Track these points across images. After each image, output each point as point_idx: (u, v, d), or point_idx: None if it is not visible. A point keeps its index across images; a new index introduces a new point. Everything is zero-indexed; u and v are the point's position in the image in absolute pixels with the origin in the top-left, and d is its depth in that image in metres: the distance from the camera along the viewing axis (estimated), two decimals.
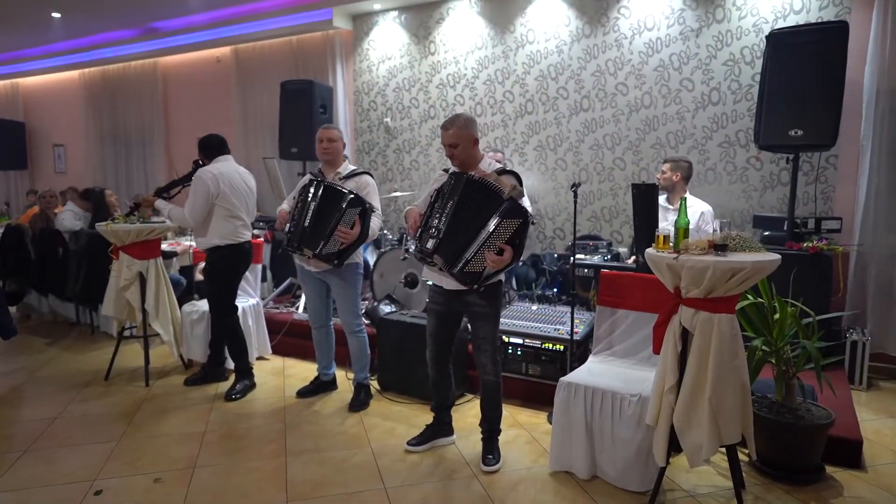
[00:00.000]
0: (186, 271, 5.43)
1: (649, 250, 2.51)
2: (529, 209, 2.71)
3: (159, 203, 3.85)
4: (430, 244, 2.71)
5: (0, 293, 4.53)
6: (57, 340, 5.16)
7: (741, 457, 2.76)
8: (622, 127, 5.10)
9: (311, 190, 3.40)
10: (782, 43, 3.73)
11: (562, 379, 2.85)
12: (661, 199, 3.93)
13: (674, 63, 4.84)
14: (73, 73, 8.82)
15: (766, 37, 3.84)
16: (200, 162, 3.80)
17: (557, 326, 3.65)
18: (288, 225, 3.48)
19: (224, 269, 3.85)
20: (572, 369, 3.28)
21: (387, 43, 6.17)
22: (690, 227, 3.05)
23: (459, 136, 2.80)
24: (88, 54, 8.30)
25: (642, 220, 3.34)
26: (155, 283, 4.11)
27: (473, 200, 2.69)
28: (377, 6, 6.04)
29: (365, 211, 3.33)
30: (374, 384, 3.90)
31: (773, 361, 2.81)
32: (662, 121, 4.93)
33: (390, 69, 6.18)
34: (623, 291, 3.08)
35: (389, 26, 6.13)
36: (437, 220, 2.73)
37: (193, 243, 5.27)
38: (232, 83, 7.25)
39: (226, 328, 3.91)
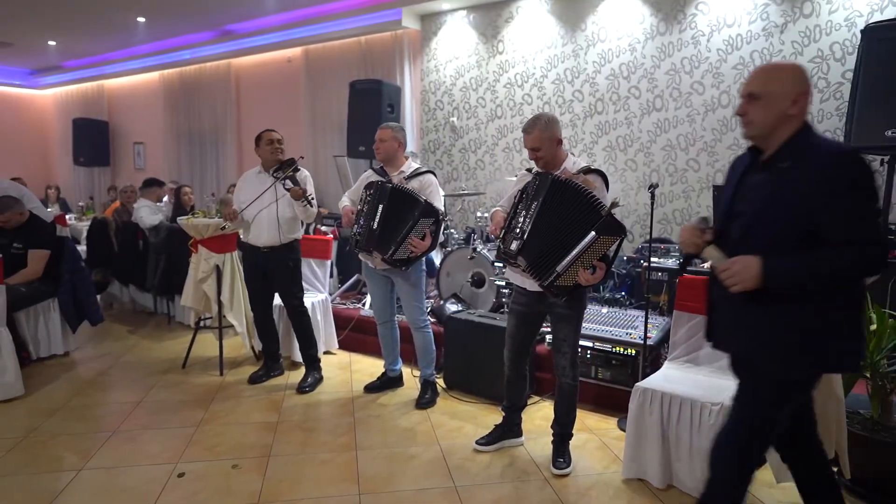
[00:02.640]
0: None
1: None
2: None
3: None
4: (513, 245, 2.65)
5: (88, 283, 4.80)
6: (137, 329, 5.43)
7: None
8: (697, 127, 4.93)
9: (378, 191, 3.44)
10: (879, 37, 3.51)
11: (637, 384, 2.77)
12: None
13: (755, 60, 4.64)
14: (154, 75, 9.28)
15: (861, 31, 3.63)
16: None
17: (629, 330, 3.57)
18: (355, 226, 3.52)
19: (300, 261, 4.00)
20: (644, 375, 3.20)
21: (455, 42, 6.18)
22: None
23: (541, 139, 2.74)
24: (168, 56, 8.71)
25: None
26: (230, 276, 4.26)
27: (562, 205, 2.57)
28: (446, 6, 6.06)
29: (438, 222, 3.35)
30: (440, 382, 3.92)
31: (868, 376, 2.65)
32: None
33: (457, 69, 6.19)
34: (703, 296, 2.96)
35: (458, 25, 6.14)
36: (521, 221, 2.66)
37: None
38: (302, 83, 7.45)
39: (307, 319, 4.03)
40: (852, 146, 1.84)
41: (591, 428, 3.37)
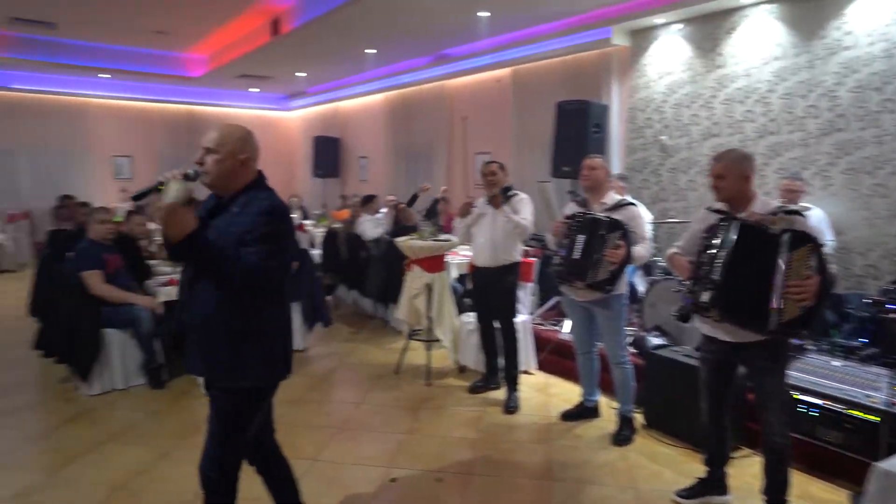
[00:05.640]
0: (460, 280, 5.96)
1: None
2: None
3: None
4: (704, 297, 2.51)
5: (319, 288, 5.54)
6: (359, 331, 6.12)
7: None
8: None
9: (580, 222, 3.48)
10: None
11: (878, 466, 2.40)
12: None
13: None
14: (379, 97, 10.35)
15: None
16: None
17: (868, 392, 3.11)
18: (556, 257, 3.59)
19: (516, 283, 4.21)
20: (886, 449, 2.78)
21: (667, 57, 5.91)
22: None
23: (728, 168, 2.62)
24: (391, 80, 9.65)
25: None
26: (439, 294, 4.62)
27: (750, 246, 2.44)
28: (659, 20, 5.82)
29: (626, 233, 3.32)
30: (639, 418, 3.81)
31: None
32: None
33: (670, 84, 5.90)
34: None
35: (671, 40, 5.86)
36: (711, 269, 2.50)
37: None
38: (509, 103, 7.71)
39: (515, 341, 4.23)
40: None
41: (814, 496, 3.01)
